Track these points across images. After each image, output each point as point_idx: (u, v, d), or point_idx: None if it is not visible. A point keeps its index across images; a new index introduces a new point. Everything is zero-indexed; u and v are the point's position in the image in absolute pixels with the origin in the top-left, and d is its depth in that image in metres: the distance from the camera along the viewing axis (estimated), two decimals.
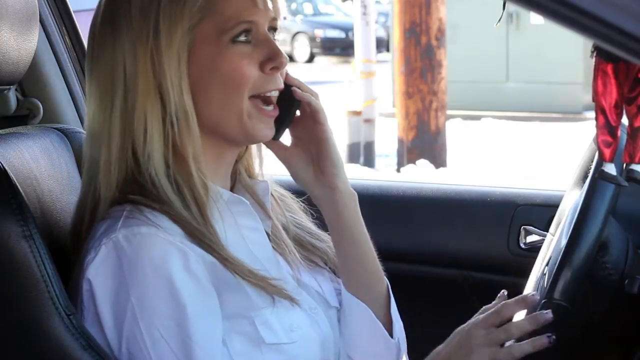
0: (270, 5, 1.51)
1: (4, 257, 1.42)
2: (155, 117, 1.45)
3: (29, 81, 2.14)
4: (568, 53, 11.37)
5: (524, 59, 12.06)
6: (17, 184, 1.49)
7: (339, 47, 20.45)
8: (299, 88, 1.55)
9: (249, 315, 1.46)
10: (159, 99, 1.45)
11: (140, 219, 1.42)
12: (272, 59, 1.48)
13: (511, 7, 1.27)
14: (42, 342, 1.42)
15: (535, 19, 11.37)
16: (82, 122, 2.25)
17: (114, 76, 1.46)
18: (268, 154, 1.63)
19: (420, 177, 8.16)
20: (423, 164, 8.70)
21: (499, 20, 1.64)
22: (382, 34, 18.09)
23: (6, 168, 1.49)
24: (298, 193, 1.68)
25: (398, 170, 8.82)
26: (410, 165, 8.74)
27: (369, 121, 9.08)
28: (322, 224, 1.66)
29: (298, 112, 1.58)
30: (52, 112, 2.18)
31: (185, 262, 1.41)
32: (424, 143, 8.78)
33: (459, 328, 1.47)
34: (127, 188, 1.46)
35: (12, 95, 2.02)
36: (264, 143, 1.59)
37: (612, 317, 1.67)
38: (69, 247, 1.54)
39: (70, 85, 2.25)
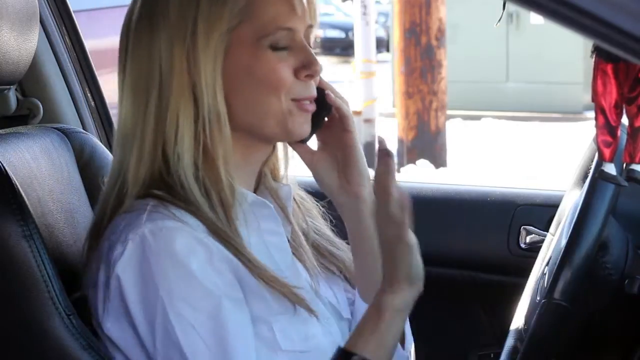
0: (307, 12, 1.50)
1: (4, 257, 1.42)
2: (187, 118, 1.44)
3: (29, 81, 2.14)
4: (568, 53, 11.37)
5: (524, 59, 12.05)
6: (17, 184, 1.49)
7: (339, 47, 20.44)
8: (331, 91, 1.55)
9: (267, 320, 1.45)
10: (193, 99, 1.44)
11: (165, 213, 1.41)
12: (306, 67, 1.48)
13: (511, 7, 1.27)
14: (42, 342, 1.42)
15: (535, 19, 11.36)
16: (82, 122, 2.25)
17: (149, 74, 1.46)
18: (292, 157, 1.62)
19: (420, 177, 8.16)
20: (423, 164, 8.70)
21: (499, 20, 1.64)
22: (382, 34, 18.08)
23: (6, 168, 1.49)
24: (319, 195, 1.67)
25: (398, 170, 8.83)
26: (410, 165, 8.74)
27: (369, 121, 9.08)
28: (339, 230, 1.65)
29: (332, 113, 1.57)
30: (52, 112, 2.18)
31: (210, 257, 1.41)
32: (424, 143, 8.78)
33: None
34: (154, 186, 1.45)
35: (12, 95, 2.02)
36: (292, 145, 1.59)
37: (612, 317, 1.67)
38: (86, 244, 1.52)
39: (70, 85, 2.24)
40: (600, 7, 0.98)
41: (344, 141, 1.57)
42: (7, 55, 1.72)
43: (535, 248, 1.99)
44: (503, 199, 2.30)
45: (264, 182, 1.60)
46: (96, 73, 2.33)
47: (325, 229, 1.66)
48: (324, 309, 1.55)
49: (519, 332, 1.70)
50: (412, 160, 8.77)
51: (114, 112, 2.40)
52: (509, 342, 1.69)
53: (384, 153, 1.37)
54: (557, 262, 1.60)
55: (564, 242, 1.63)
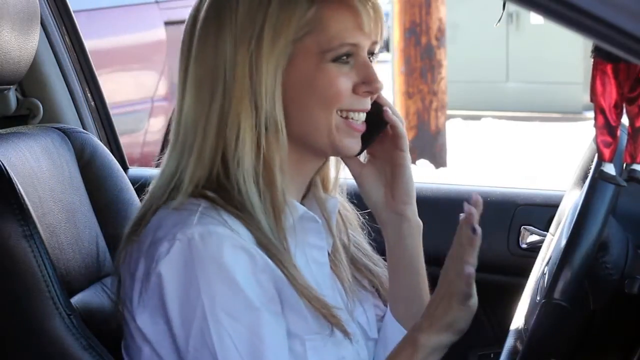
0: (374, 29, 1.49)
1: (5, 257, 1.42)
2: (248, 123, 1.44)
3: (29, 81, 2.14)
4: (568, 53, 11.36)
5: (524, 59, 12.05)
6: (18, 184, 1.49)
7: None
8: (389, 109, 1.55)
9: (302, 338, 1.45)
10: (253, 106, 1.44)
11: (216, 218, 1.41)
12: (367, 84, 1.48)
13: (511, 7, 1.27)
14: (42, 342, 1.42)
15: (535, 19, 11.36)
16: (82, 122, 2.25)
17: (214, 75, 1.45)
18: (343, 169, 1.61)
19: (420, 177, 8.15)
20: (423, 164, 8.70)
21: (499, 20, 1.64)
22: None
23: (7, 168, 1.49)
24: (361, 203, 1.65)
25: None
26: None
27: None
28: (378, 244, 1.65)
29: (388, 129, 1.57)
30: (52, 112, 2.18)
31: (254, 268, 1.40)
32: (424, 143, 8.78)
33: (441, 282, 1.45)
34: (209, 187, 1.44)
35: (12, 95, 2.02)
36: (342, 157, 1.58)
37: (612, 317, 1.67)
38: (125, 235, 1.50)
39: (70, 85, 2.24)
40: (601, 7, 0.98)
41: (395, 159, 1.57)
42: (7, 55, 1.72)
43: (535, 248, 1.99)
44: (503, 199, 2.30)
45: (313, 191, 1.59)
46: (96, 73, 2.33)
47: (364, 242, 1.65)
48: (355, 329, 1.55)
49: (519, 332, 1.70)
50: (412, 160, 8.76)
51: (113, 112, 2.41)
52: (509, 342, 1.69)
53: (471, 226, 1.40)
54: (557, 262, 1.60)
55: (564, 242, 1.63)
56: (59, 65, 2.23)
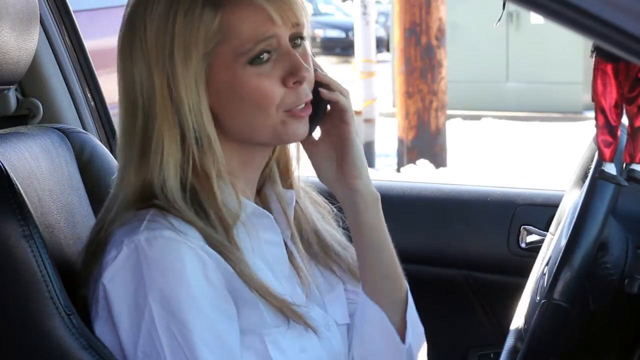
0: (288, 15, 1.45)
1: (4, 257, 1.42)
2: (173, 142, 1.43)
3: (29, 81, 2.14)
4: (568, 53, 11.37)
5: (524, 59, 12.05)
6: (18, 184, 1.48)
7: (339, 47, 20.43)
8: (328, 85, 1.52)
9: (260, 333, 1.45)
10: (177, 124, 1.43)
11: (163, 223, 1.41)
12: (293, 74, 1.45)
13: (511, 7, 1.27)
14: (42, 342, 1.42)
15: (535, 19, 11.37)
16: (82, 122, 2.25)
17: (134, 98, 1.45)
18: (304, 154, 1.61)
19: (420, 177, 8.16)
20: (423, 164, 8.70)
21: (499, 20, 1.64)
22: (382, 34, 18.08)
23: (6, 168, 1.49)
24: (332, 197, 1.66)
25: (398, 170, 8.82)
26: (410, 165, 8.74)
27: (369, 121, 9.08)
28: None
29: (329, 107, 1.55)
30: (52, 112, 2.18)
31: (204, 269, 1.40)
32: (424, 143, 8.78)
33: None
34: (152, 197, 1.45)
35: (12, 95, 2.02)
36: None
37: (612, 317, 1.67)
38: (81, 253, 1.52)
39: (70, 85, 2.24)
40: (601, 7, 0.98)
41: (342, 133, 1.55)
42: (7, 55, 1.72)
43: (535, 248, 1.99)
44: (503, 199, 2.30)
45: (272, 186, 1.59)
46: (96, 73, 2.33)
47: (332, 229, 1.64)
48: (324, 314, 1.55)
49: (519, 332, 1.70)
50: (412, 160, 8.77)
51: (114, 112, 2.40)
52: (509, 342, 1.69)
53: None
54: (557, 262, 1.60)
55: (564, 242, 1.63)
56: (59, 65, 2.23)
